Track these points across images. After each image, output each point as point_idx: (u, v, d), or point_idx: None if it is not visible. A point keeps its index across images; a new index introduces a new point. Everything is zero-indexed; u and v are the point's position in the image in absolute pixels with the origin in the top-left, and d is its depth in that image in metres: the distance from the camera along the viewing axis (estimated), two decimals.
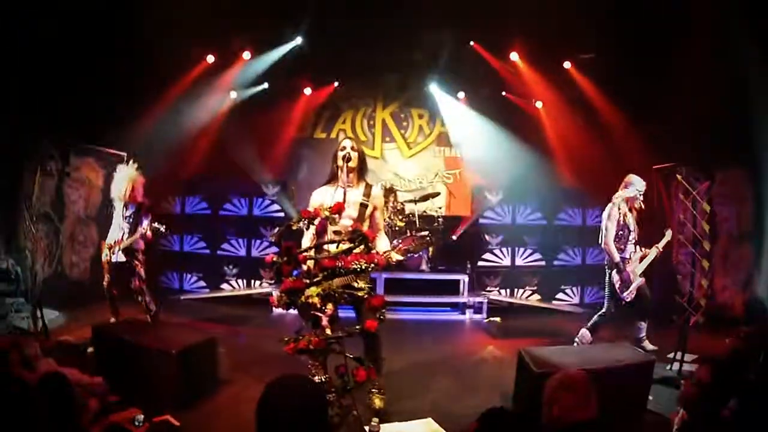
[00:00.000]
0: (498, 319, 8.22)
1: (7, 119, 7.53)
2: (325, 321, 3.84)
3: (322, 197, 4.40)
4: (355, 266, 3.84)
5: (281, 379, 1.99)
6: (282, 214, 9.28)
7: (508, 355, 6.21)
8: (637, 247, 6.10)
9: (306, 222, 3.95)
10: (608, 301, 6.07)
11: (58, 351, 5.57)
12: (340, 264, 3.82)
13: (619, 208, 5.98)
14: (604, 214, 6.05)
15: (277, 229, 4.03)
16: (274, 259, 3.92)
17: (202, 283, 9.61)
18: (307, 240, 4.38)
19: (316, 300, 3.86)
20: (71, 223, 8.80)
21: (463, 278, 8.70)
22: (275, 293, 4.01)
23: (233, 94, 9.78)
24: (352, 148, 4.40)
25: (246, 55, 9.29)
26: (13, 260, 7.78)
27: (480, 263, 9.24)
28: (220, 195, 9.53)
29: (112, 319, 6.38)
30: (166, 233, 6.48)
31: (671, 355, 5.45)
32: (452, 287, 8.72)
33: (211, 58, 9.32)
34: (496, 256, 9.26)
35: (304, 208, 4.11)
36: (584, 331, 6.07)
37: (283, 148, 9.80)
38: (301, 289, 3.84)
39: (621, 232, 5.95)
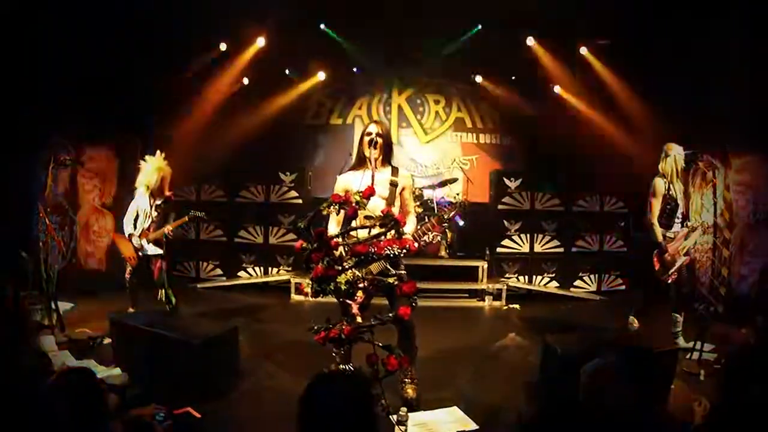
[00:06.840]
0: (517, 306, 8.19)
1: (18, 111, 7.48)
2: (355, 309, 3.76)
3: (348, 182, 4.35)
4: (387, 252, 3.75)
5: (327, 373, 1.99)
6: (300, 201, 9.12)
7: (529, 342, 6.27)
8: (686, 222, 5.67)
9: (337, 207, 3.86)
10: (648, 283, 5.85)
11: (74, 343, 5.64)
12: (372, 250, 3.73)
13: (663, 180, 5.54)
14: (650, 190, 5.59)
15: (304, 216, 3.90)
16: (304, 245, 3.83)
17: (219, 271, 9.51)
18: (333, 225, 4.29)
19: (344, 287, 3.79)
20: (85, 213, 8.84)
21: (482, 265, 8.65)
22: (305, 281, 3.92)
23: (245, 80, 9.69)
24: (378, 134, 4.32)
25: (260, 41, 9.19)
26: (25, 253, 7.72)
27: (499, 249, 9.14)
28: (237, 182, 9.39)
29: (131, 309, 6.36)
30: (203, 220, 6.50)
31: (690, 344, 5.40)
32: (471, 274, 8.64)
33: (223, 46, 9.26)
34: (515, 242, 9.16)
35: (335, 193, 4.01)
36: (631, 318, 5.96)
37: (299, 134, 9.64)
38: (332, 277, 3.76)
39: (668, 206, 5.52)
